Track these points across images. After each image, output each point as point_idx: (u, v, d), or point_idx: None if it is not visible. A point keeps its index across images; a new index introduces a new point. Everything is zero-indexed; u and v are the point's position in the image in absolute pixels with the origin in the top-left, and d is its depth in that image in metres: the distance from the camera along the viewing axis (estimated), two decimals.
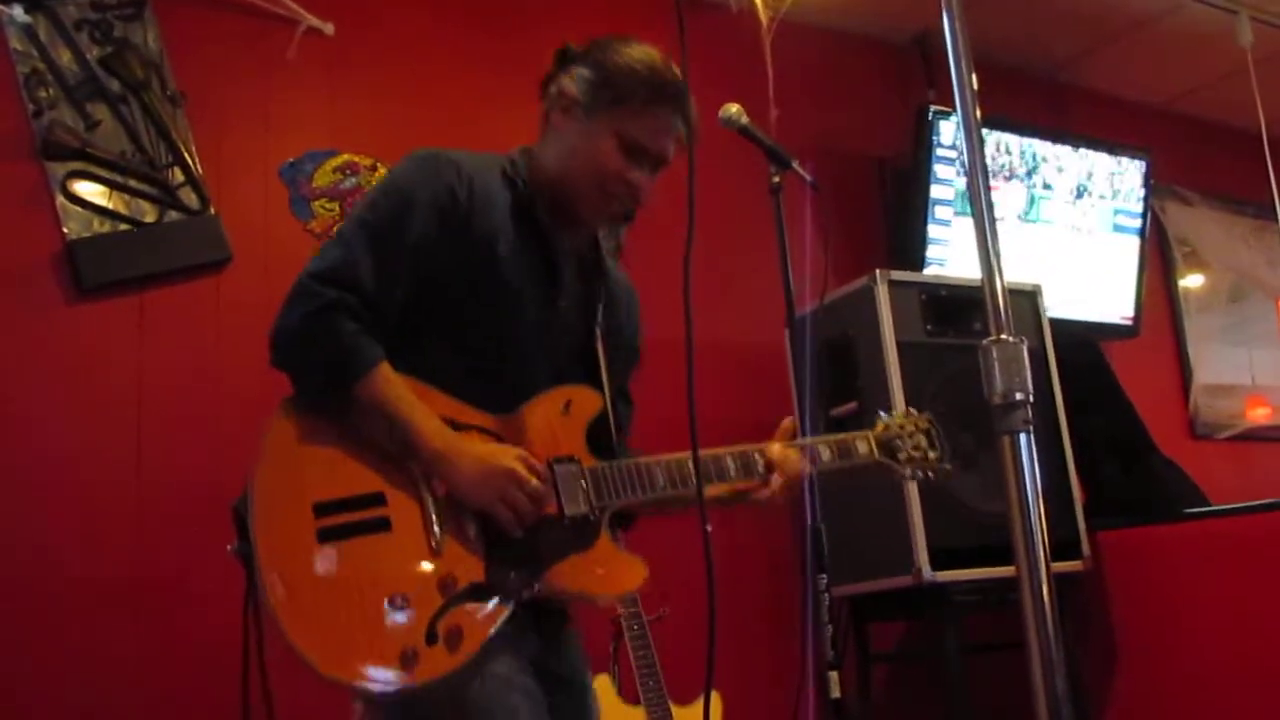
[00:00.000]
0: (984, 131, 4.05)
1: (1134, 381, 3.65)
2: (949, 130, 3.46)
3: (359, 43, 2.89)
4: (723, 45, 3.31)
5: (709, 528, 1.34)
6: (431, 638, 1.29)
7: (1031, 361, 1.05)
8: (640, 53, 1.50)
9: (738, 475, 1.56)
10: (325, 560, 1.30)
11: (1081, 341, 3.53)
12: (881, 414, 1.74)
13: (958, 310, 2.96)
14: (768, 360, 3.07)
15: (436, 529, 1.35)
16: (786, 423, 1.61)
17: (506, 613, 1.35)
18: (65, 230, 2.44)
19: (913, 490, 2.71)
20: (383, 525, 1.33)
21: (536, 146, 1.57)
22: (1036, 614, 0.97)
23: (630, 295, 1.68)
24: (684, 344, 1.47)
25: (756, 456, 1.57)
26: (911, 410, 1.77)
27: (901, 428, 1.71)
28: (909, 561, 2.68)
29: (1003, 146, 3.69)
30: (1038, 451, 1.05)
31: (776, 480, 1.56)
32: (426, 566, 1.33)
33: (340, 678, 1.26)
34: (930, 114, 3.46)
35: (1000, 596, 2.75)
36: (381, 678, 1.27)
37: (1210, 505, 3.29)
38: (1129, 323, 3.97)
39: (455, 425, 1.40)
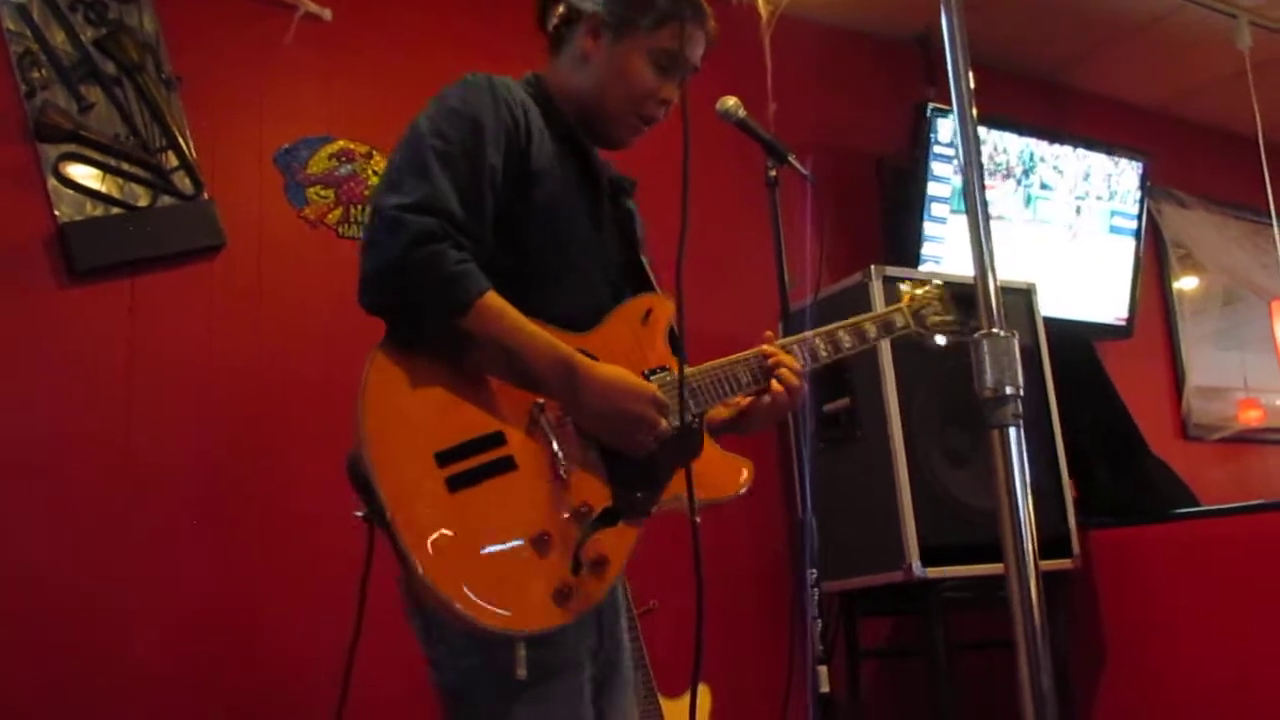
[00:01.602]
0: (982, 131, 4.05)
1: (1127, 382, 3.66)
2: (947, 128, 3.46)
3: (357, 29, 2.87)
4: (722, 38, 3.30)
5: (698, 519, 1.34)
6: (577, 568, 1.30)
7: (1026, 359, 1.05)
8: None
9: (748, 384, 1.55)
10: (461, 511, 1.27)
11: (1075, 341, 3.53)
12: (901, 285, 1.80)
13: None
14: None
15: (561, 459, 1.34)
16: (768, 334, 1.62)
17: (638, 531, 1.38)
18: (57, 213, 2.43)
19: (905, 486, 2.72)
20: (509, 465, 1.32)
21: (551, 72, 1.56)
22: (1023, 605, 0.97)
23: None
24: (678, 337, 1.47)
25: (755, 360, 1.56)
26: (923, 279, 1.82)
27: (925, 295, 1.77)
28: (900, 557, 2.69)
29: (1000, 146, 3.69)
30: (1030, 449, 1.05)
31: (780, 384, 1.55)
32: (559, 499, 1.33)
33: (511, 629, 1.25)
34: (929, 111, 3.46)
35: (990, 593, 2.75)
36: (543, 619, 1.27)
37: (1200, 506, 3.30)
38: (1123, 323, 3.98)
39: None
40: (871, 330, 1.70)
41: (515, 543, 1.28)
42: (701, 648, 1.32)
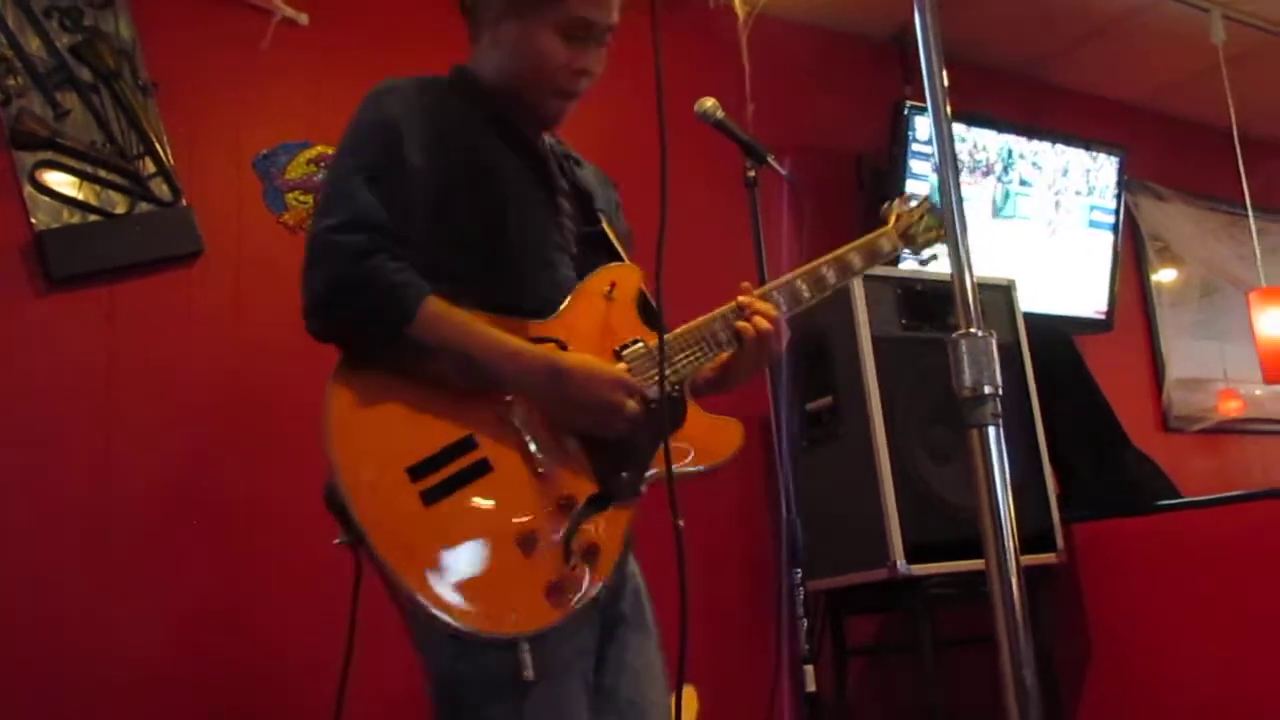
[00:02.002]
0: (960, 128, 4.05)
1: (1107, 375, 3.68)
2: (925, 126, 3.47)
3: (335, 34, 2.86)
4: (699, 40, 3.31)
5: (680, 522, 1.34)
6: (569, 561, 1.29)
7: (1006, 355, 1.06)
8: None
9: (728, 340, 1.52)
10: (441, 524, 1.25)
11: (1055, 335, 3.55)
12: (886, 205, 1.76)
13: (933, 305, 2.97)
14: None
15: (538, 454, 1.32)
16: (744, 285, 1.58)
17: (630, 513, 1.37)
18: (34, 221, 2.41)
19: (888, 483, 2.72)
20: (484, 468, 1.30)
21: (471, 62, 1.54)
22: (1005, 606, 0.97)
23: (604, 181, 1.66)
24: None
25: (732, 314, 1.53)
26: (908, 194, 1.79)
27: (912, 212, 1.74)
28: (884, 555, 2.69)
29: (979, 143, 3.71)
30: (1012, 444, 1.06)
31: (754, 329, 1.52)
32: (541, 495, 1.31)
33: (500, 632, 1.24)
34: (906, 109, 3.47)
35: (975, 589, 2.75)
36: (538, 618, 1.25)
37: (1182, 497, 3.32)
38: (1103, 317, 4.00)
39: None
40: (857, 261, 1.66)
41: (501, 546, 1.27)
42: (686, 648, 1.32)
